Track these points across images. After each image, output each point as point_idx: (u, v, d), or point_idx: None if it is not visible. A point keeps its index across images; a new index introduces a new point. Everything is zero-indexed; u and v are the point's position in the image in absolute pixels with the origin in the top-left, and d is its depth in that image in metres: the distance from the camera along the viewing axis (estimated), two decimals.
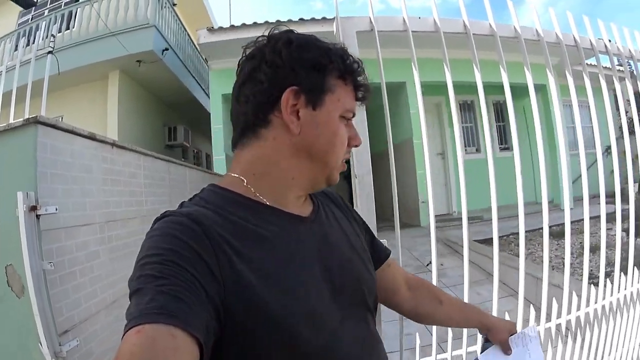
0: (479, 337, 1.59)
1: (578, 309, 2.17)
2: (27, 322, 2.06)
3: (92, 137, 2.58)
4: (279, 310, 0.69)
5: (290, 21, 6.88)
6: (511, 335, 1.17)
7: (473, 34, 1.96)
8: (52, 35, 4.08)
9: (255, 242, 0.75)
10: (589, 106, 2.25)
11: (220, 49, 6.65)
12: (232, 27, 6.82)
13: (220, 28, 6.86)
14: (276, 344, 0.69)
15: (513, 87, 2.10)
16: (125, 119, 7.48)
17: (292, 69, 0.80)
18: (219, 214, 0.75)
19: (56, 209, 2.19)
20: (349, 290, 0.86)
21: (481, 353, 1.20)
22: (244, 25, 6.70)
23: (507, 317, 1.94)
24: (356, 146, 0.91)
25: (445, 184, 8.52)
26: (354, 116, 0.89)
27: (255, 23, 6.63)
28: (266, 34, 0.85)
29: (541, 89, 6.03)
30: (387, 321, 1.70)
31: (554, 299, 2.15)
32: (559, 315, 2.16)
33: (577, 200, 2.16)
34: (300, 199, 0.90)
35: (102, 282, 2.60)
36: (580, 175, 2.25)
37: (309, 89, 0.81)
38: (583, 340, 2.21)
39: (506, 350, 1.16)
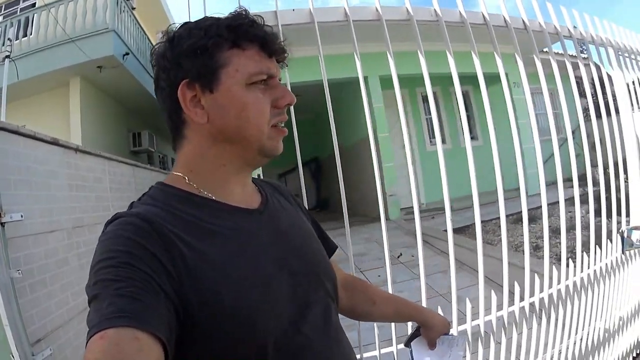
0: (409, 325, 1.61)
1: (541, 290, 2.24)
2: None
3: (55, 143, 2.53)
4: (233, 302, 0.70)
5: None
6: (443, 333, 1.23)
7: (444, 21, 1.99)
8: (9, 39, 3.93)
9: (205, 237, 0.75)
10: (553, 93, 2.30)
11: None
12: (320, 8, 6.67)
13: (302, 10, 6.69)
14: (234, 336, 0.69)
15: (476, 77, 2.13)
16: (88, 127, 7.29)
17: (177, 64, 0.80)
18: (167, 211, 0.75)
19: (21, 216, 2.14)
20: (307, 278, 0.86)
21: (410, 341, 1.26)
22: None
23: (481, 304, 2.05)
24: (289, 105, 0.86)
25: (414, 176, 8.56)
26: (272, 77, 0.83)
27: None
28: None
29: (505, 77, 6.06)
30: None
31: (515, 282, 2.21)
32: (531, 295, 2.21)
33: (546, 185, 2.23)
34: (246, 190, 0.91)
35: (73, 288, 2.55)
36: (547, 159, 2.36)
37: (199, 75, 0.80)
38: (548, 319, 2.29)
39: (431, 345, 1.23)
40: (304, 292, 0.83)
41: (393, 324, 1.93)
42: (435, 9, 1.99)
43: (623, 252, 2.63)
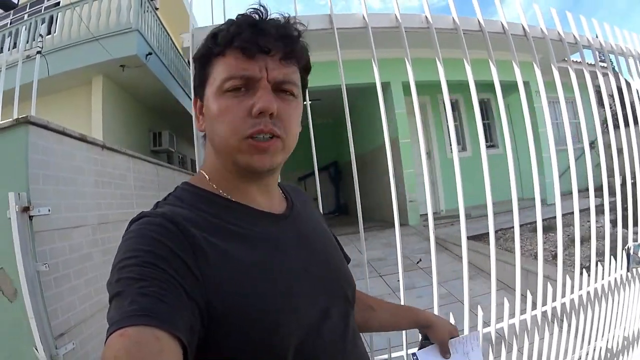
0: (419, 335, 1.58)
1: (554, 299, 2.26)
2: (20, 326, 2.03)
3: (82, 139, 2.57)
4: (257, 306, 0.69)
5: None
6: (452, 337, 1.16)
7: (463, 30, 2.01)
8: (40, 35, 4.01)
9: (230, 240, 0.74)
10: (572, 102, 2.30)
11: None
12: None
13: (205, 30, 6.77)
14: (256, 339, 0.68)
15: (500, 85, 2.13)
16: (109, 125, 7.39)
17: (194, 73, 0.86)
18: (193, 212, 0.75)
19: (49, 210, 2.17)
20: (328, 283, 0.85)
21: (419, 350, 1.18)
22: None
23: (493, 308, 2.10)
24: (262, 113, 0.75)
25: (433, 182, 8.61)
26: (252, 79, 0.76)
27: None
28: None
29: (525, 86, 6.02)
30: None
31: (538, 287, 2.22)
32: (544, 303, 2.22)
33: (563, 194, 2.22)
34: (270, 195, 0.89)
35: (96, 284, 2.58)
36: (566, 170, 2.34)
37: (196, 86, 0.85)
38: (561, 328, 2.29)
39: (445, 353, 1.15)
40: (325, 297, 0.82)
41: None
42: (454, 17, 2.01)
43: (629, 270, 2.52)
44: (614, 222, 2.61)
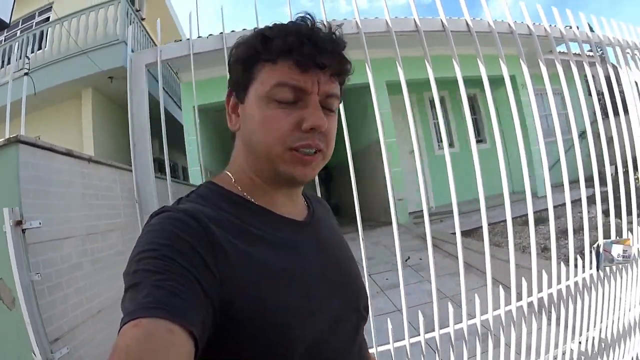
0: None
1: (539, 290, 2.33)
2: (21, 332, 2.19)
3: (69, 154, 2.73)
4: (272, 308, 0.69)
5: None
6: None
7: (451, 31, 2.16)
8: (27, 57, 4.18)
9: (250, 241, 0.75)
10: (560, 93, 2.39)
11: (188, 61, 6.67)
12: (199, 38, 6.92)
13: (187, 40, 6.93)
14: (268, 341, 0.68)
15: (489, 80, 2.25)
16: (100, 136, 7.54)
17: (229, 71, 0.87)
18: (215, 211, 0.76)
19: (40, 223, 2.33)
20: (343, 293, 0.86)
21: None
22: (211, 36, 6.81)
23: (476, 300, 2.21)
24: (313, 129, 0.78)
25: (423, 180, 8.67)
26: (305, 92, 0.78)
27: (220, 33, 6.80)
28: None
29: (511, 80, 6.10)
30: None
31: (523, 278, 2.31)
32: (529, 294, 2.31)
33: (554, 187, 2.31)
34: (294, 202, 0.91)
35: (87, 292, 2.74)
36: (556, 162, 2.42)
37: (235, 85, 0.84)
38: (549, 319, 2.36)
39: None
40: (339, 304, 0.83)
41: (405, 316, 2.09)
42: (442, 20, 2.15)
43: (599, 269, 2.48)
44: (605, 212, 2.66)
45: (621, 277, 2.63)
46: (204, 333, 0.61)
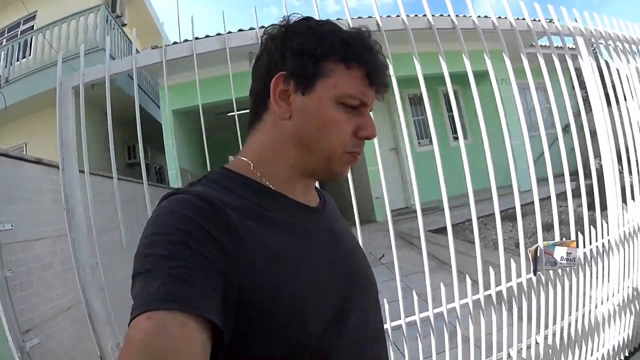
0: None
1: (498, 283, 2.41)
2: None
3: (38, 162, 3.02)
4: (287, 292, 0.70)
5: None
6: None
7: (437, 28, 2.33)
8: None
9: (265, 225, 0.75)
10: (543, 87, 2.46)
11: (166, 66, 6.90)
12: (175, 44, 7.19)
13: (165, 46, 7.18)
14: (283, 326, 0.68)
15: (464, 76, 2.39)
16: (86, 142, 7.76)
17: (282, 56, 0.83)
18: (229, 195, 0.76)
19: (12, 226, 2.63)
20: (356, 282, 0.86)
21: None
22: (185, 41, 7.07)
23: (442, 289, 2.31)
24: (368, 138, 0.86)
25: (402, 178, 9.00)
26: (365, 105, 0.84)
27: (196, 38, 7.07)
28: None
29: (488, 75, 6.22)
30: None
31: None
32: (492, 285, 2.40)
33: (537, 180, 2.43)
34: (309, 191, 0.93)
35: (57, 289, 3.03)
36: (540, 156, 2.50)
37: (298, 74, 0.81)
38: (510, 310, 2.42)
39: None
40: (352, 294, 0.83)
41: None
42: (428, 19, 2.33)
43: (535, 274, 2.42)
44: (590, 206, 2.68)
45: (584, 273, 2.68)
46: (228, 318, 0.62)
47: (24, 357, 2.49)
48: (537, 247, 2.32)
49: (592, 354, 2.78)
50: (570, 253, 2.31)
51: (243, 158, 0.87)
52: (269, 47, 0.85)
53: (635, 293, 2.94)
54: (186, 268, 0.59)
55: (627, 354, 2.96)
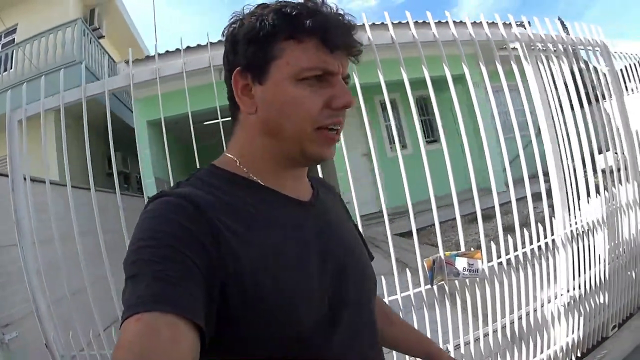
0: None
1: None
2: None
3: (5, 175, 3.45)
4: (273, 292, 0.70)
5: None
6: None
7: (421, 42, 2.56)
8: None
9: (251, 224, 0.75)
10: (516, 89, 2.62)
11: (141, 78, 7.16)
12: (147, 57, 7.76)
13: (137, 60, 7.52)
14: (271, 327, 0.69)
15: (437, 80, 2.53)
16: (63, 154, 8.11)
17: (234, 52, 0.82)
18: (215, 194, 0.76)
19: None
20: (351, 276, 0.85)
21: None
22: (159, 55, 7.42)
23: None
24: (344, 107, 0.80)
25: (374, 183, 9.23)
26: (331, 73, 0.79)
27: (167, 51, 7.33)
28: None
29: (461, 79, 6.31)
30: None
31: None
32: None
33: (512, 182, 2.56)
34: (299, 183, 0.91)
35: None
36: (515, 158, 2.65)
37: (250, 65, 0.80)
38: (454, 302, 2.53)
39: None
40: (345, 288, 0.83)
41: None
42: (413, 34, 2.57)
43: (432, 285, 2.37)
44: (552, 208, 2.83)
45: (528, 271, 2.75)
46: (211, 321, 0.63)
47: (2, 347, 2.91)
48: (435, 258, 2.32)
49: (541, 352, 2.86)
50: (473, 264, 2.33)
51: (229, 155, 0.87)
52: (225, 47, 0.85)
53: (583, 295, 3.01)
54: (172, 270, 0.61)
55: (579, 355, 3.03)
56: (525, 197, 2.71)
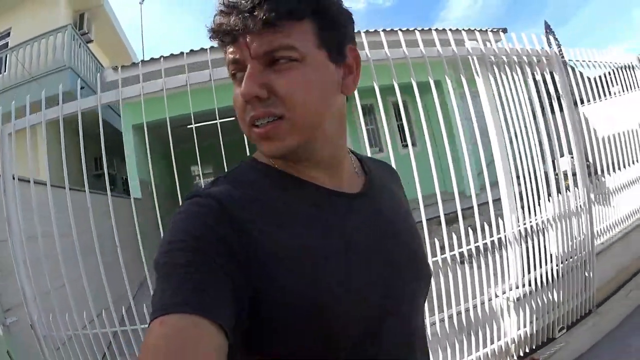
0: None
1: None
2: None
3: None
4: (306, 295, 0.67)
5: None
6: None
7: (410, 57, 2.80)
8: None
9: (284, 222, 0.72)
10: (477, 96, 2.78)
11: (128, 84, 7.29)
12: (133, 64, 8.04)
13: (124, 66, 7.85)
14: (304, 332, 0.67)
15: (405, 87, 2.70)
16: (53, 156, 8.38)
17: None
18: (247, 191, 0.74)
19: None
20: (403, 269, 0.81)
21: None
22: (143, 61, 7.81)
23: None
24: (245, 100, 0.70)
25: None
26: (239, 67, 0.72)
27: (152, 59, 7.69)
28: None
29: (437, 85, 6.39)
30: None
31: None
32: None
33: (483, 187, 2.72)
34: (337, 171, 0.83)
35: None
36: (490, 163, 2.81)
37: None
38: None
39: None
40: (396, 284, 0.79)
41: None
42: (404, 50, 2.80)
43: None
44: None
45: (477, 265, 2.88)
46: (238, 326, 0.62)
47: (4, 329, 3.35)
48: None
49: (492, 343, 3.00)
50: None
51: None
52: None
53: (533, 290, 3.12)
54: (200, 273, 0.60)
55: (533, 347, 3.15)
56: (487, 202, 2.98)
